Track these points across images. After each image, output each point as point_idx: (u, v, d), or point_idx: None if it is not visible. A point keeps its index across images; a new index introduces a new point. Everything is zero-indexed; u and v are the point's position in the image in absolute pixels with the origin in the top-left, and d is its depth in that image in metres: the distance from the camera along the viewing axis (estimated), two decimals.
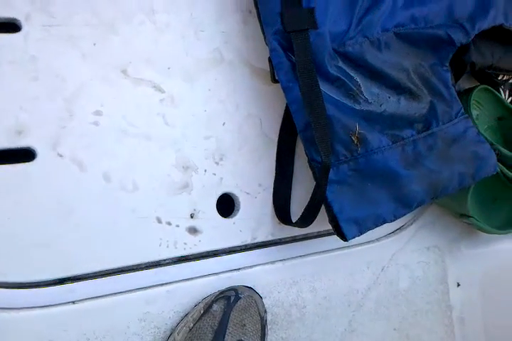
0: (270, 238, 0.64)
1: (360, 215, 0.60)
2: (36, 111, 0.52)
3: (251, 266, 0.62)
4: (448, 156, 0.64)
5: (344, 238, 0.59)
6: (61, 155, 0.53)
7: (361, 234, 0.60)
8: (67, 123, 0.53)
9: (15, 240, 0.50)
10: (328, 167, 0.56)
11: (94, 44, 0.55)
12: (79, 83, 0.54)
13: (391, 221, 0.62)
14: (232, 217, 0.62)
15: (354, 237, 0.60)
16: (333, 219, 0.59)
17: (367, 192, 0.61)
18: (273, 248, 0.65)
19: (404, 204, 0.62)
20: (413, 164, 0.62)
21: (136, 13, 0.57)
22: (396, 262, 0.73)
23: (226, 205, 0.63)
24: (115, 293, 0.54)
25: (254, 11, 0.61)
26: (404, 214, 0.63)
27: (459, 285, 0.78)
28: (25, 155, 0.52)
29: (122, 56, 0.56)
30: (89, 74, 0.55)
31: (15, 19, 0.52)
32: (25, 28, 0.52)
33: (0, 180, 0.50)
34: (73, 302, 0.52)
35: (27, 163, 0.51)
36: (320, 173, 0.57)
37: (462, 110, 0.66)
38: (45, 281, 0.51)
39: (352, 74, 0.60)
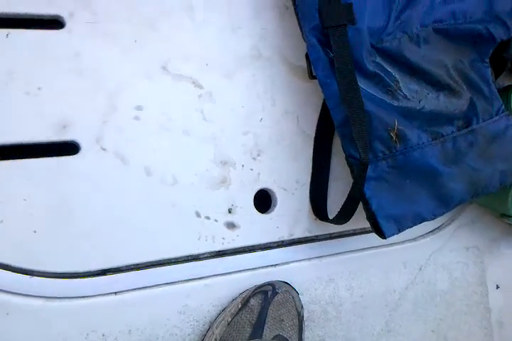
0: (307, 234, 0.64)
1: (398, 213, 0.59)
2: (80, 106, 0.53)
3: (288, 262, 0.62)
4: (489, 154, 0.63)
5: (382, 235, 0.59)
6: (104, 149, 0.54)
7: (400, 232, 0.60)
8: (110, 117, 0.54)
9: (58, 231, 0.51)
10: (366, 164, 0.56)
11: (135, 40, 0.56)
12: (121, 79, 0.55)
13: (430, 219, 0.61)
14: (269, 213, 0.62)
15: (393, 235, 0.59)
16: (372, 216, 0.59)
17: (406, 189, 0.60)
18: (310, 244, 0.64)
19: (443, 203, 0.61)
20: (453, 161, 0.61)
21: (175, 11, 0.58)
22: (434, 262, 0.71)
23: (263, 201, 0.63)
24: (155, 285, 0.54)
25: (291, 7, 0.62)
26: (444, 213, 0.62)
27: (498, 287, 0.77)
28: (69, 148, 0.53)
29: (162, 52, 0.57)
30: (130, 70, 0.55)
31: (59, 16, 0.53)
32: (68, 24, 0.53)
33: (45, 172, 0.51)
34: (115, 293, 0.52)
35: (71, 156, 0.52)
36: (358, 170, 0.57)
37: (503, 107, 0.65)
38: (88, 272, 0.52)
39: (390, 70, 0.59)
